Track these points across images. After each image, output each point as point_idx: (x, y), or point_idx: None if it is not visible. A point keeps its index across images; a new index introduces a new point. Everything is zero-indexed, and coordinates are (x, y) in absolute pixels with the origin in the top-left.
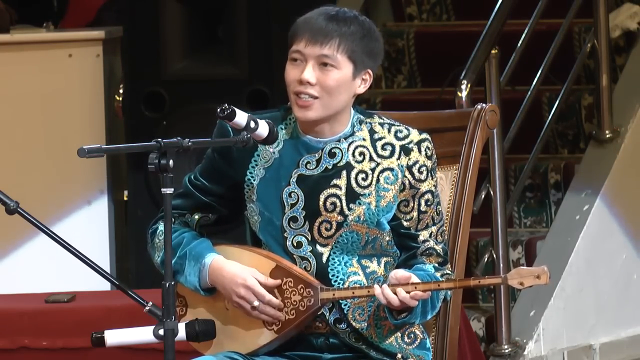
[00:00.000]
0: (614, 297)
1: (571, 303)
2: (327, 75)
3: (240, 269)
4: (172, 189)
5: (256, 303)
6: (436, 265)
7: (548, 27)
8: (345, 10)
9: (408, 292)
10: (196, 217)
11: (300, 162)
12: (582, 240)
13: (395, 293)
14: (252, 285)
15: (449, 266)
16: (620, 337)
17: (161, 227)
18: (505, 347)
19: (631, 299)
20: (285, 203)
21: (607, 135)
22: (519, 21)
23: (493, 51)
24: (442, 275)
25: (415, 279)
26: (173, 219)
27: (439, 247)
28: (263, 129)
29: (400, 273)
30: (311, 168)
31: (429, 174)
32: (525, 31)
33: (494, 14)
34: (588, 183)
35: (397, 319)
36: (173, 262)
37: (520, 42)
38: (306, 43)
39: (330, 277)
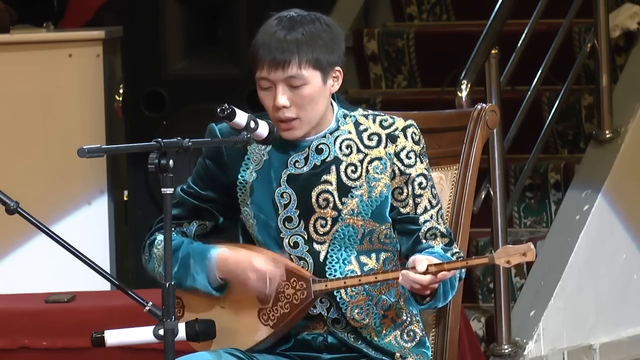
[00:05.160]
0: (614, 297)
1: (571, 303)
2: (299, 95)
3: (247, 254)
4: (172, 189)
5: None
6: (443, 246)
7: (548, 27)
8: (293, 14)
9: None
10: (193, 226)
11: (289, 161)
12: (582, 240)
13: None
14: (259, 267)
15: (456, 245)
16: (620, 337)
17: (159, 237)
18: (505, 347)
19: (631, 299)
20: (278, 204)
21: (607, 135)
22: (519, 21)
23: (493, 51)
24: (452, 255)
25: (433, 260)
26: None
27: (441, 227)
28: (263, 128)
29: (417, 256)
30: (300, 166)
31: (418, 158)
32: (525, 31)
33: (494, 14)
34: (588, 183)
35: (422, 304)
36: (176, 269)
37: (520, 42)
38: (268, 70)
39: (327, 276)
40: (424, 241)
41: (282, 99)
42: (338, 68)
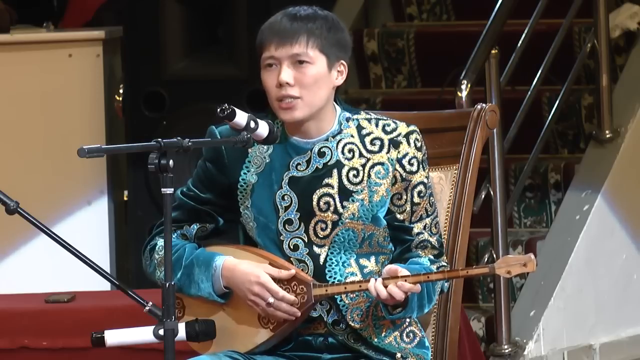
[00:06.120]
0: (614, 297)
1: (571, 303)
2: (303, 73)
3: (253, 266)
4: (172, 189)
5: (271, 300)
6: (431, 257)
7: (548, 27)
8: (305, 7)
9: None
10: (194, 228)
11: (291, 164)
12: (582, 240)
13: (385, 287)
14: (265, 282)
15: (445, 258)
16: (620, 337)
17: (159, 242)
18: (505, 347)
19: (631, 299)
20: (279, 206)
21: (607, 135)
22: (519, 21)
23: (493, 51)
24: (437, 268)
25: (404, 271)
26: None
27: (433, 239)
28: (263, 129)
29: (390, 267)
30: (302, 169)
31: (420, 166)
32: (525, 31)
33: (494, 14)
34: (588, 183)
35: (392, 314)
36: (179, 276)
37: (520, 42)
38: (276, 46)
39: (327, 278)
40: (413, 250)
41: (286, 75)
42: (343, 62)
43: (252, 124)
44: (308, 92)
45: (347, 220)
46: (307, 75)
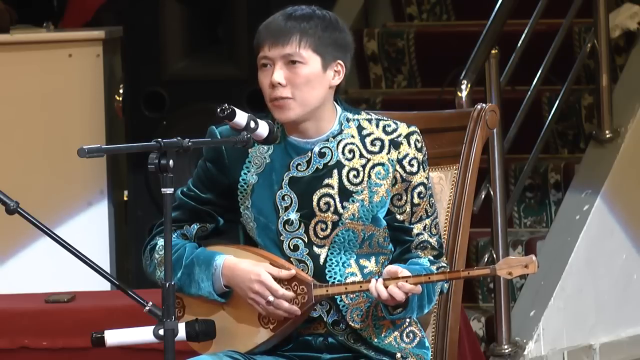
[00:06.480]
0: (614, 297)
1: (571, 303)
2: (295, 73)
3: (253, 264)
4: (172, 189)
5: (271, 298)
6: (431, 258)
7: (548, 27)
8: (304, 7)
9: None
10: (194, 228)
11: (291, 164)
12: (582, 240)
13: (386, 287)
14: (265, 280)
15: (444, 259)
16: (620, 337)
17: (160, 242)
18: (505, 347)
19: (631, 299)
20: (279, 207)
21: (607, 135)
22: (519, 21)
23: (493, 51)
24: (437, 269)
25: (404, 272)
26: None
27: (433, 240)
28: (263, 129)
29: (390, 268)
30: (302, 170)
31: (420, 166)
32: (525, 31)
33: (494, 14)
34: (588, 183)
35: (392, 314)
36: (179, 275)
37: (520, 42)
38: (269, 47)
39: (327, 279)
40: (413, 250)
41: (278, 75)
42: (340, 62)
43: (252, 124)
44: (301, 92)
45: (347, 221)
46: (299, 76)
